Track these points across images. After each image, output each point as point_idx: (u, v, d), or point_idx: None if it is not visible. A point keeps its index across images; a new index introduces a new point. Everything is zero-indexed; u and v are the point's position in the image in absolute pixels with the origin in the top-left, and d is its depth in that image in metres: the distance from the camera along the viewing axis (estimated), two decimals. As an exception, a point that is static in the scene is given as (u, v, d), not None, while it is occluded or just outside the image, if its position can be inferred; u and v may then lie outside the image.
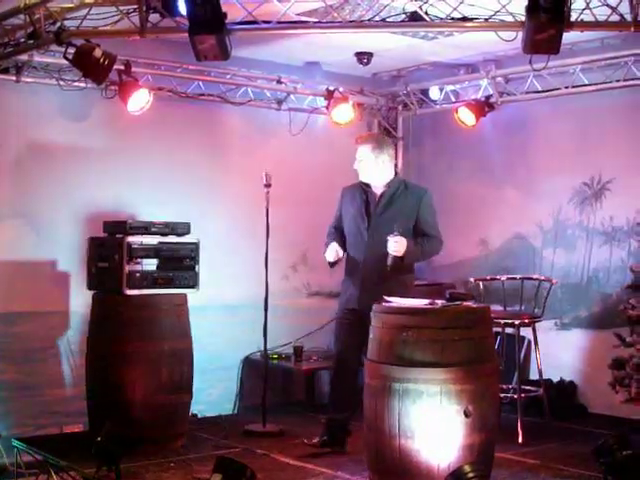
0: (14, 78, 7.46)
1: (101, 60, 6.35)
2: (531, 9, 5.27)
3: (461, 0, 5.80)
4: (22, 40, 6.72)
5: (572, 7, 5.44)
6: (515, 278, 8.17)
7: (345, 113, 8.85)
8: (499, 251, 9.33)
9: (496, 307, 7.71)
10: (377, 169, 6.85)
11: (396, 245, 6.49)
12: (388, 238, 6.49)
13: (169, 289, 7.22)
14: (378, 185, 6.88)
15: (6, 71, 7.41)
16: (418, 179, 9.96)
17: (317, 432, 6.98)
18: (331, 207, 9.39)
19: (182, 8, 5.72)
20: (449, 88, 9.37)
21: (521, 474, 6.41)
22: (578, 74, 8.18)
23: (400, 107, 9.97)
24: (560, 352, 8.49)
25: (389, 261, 6.54)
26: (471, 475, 5.12)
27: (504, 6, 5.70)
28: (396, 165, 9.97)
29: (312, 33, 6.84)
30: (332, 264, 6.87)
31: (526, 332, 7.97)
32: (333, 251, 6.78)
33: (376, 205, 6.84)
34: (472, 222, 9.48)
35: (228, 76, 8.56)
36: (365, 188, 6.93)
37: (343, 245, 6.89)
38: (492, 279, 8.28)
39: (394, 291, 6.32)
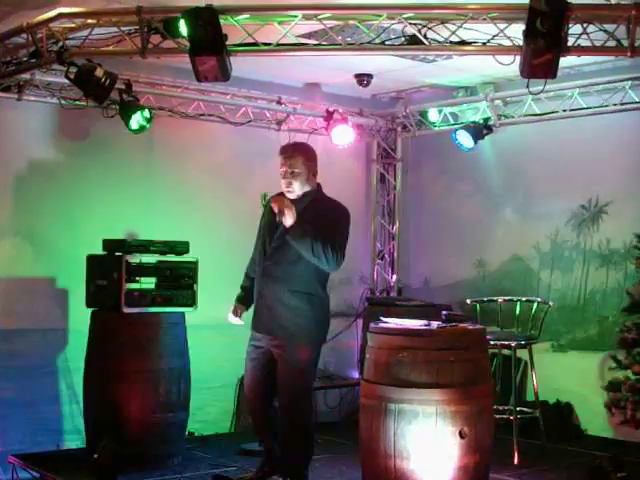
0: (16, 96, 7.51)
1: (102, 80, 6.41)
2: (529, 34, 5.33)
3: (459, 24, 5.86)
4: (24, 59, 6.78)
5: (569, 32, 5.50)
6: (512, 300, 8.19)
7: (344, 134, 8.91)
8: (496, 272, 9.35)
9: (493, 328, 7.74)
10: (307, 184, 6.14)
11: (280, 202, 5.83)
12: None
13: (167, 307, 7.23)
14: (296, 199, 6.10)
15: (8, 89, 7.45)
16: (416, 200, 10.03)
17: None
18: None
19: (183, 29, 5.78)
20: (448, 110, 9.42)
21: (516, 495, 6.44)
22: (576, 97, 8.24)
23: (399, 128, 10.03)
24: (556, 374, 8.50)
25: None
26: (466, 496, 5.15)
27: (502, 30, 5.75)
28: (394, 187, 10.08)
29: (312, 55, 6.88)
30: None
31: (522, 354, 7.99)
32: (231, 314, 6.40)
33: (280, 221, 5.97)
34: (469, 243, 9.51)
35: (228, 96, 8.61)
36: None
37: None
38: (489, 300, 8.29)
39: (289, 319, 6.01)
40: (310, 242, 5.84)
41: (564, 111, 8.40)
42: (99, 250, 7.28)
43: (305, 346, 6.09)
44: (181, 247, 7.41)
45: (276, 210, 5.86)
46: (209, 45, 5.57)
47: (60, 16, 6.10)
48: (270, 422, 6.33)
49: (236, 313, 6.42)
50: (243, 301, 6.46)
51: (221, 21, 5.59)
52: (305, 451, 6.21)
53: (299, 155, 6.18)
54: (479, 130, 8.73)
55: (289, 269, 6.03)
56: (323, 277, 6.17)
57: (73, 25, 6.27)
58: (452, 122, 9.41)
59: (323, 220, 5.95)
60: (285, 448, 6.20)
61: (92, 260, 7.33)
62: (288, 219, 5.81)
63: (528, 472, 7.04)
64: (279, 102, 8.92)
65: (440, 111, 9.47)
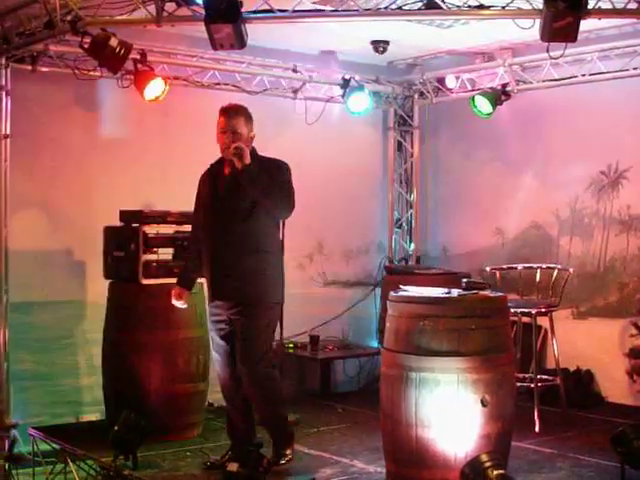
0: (30, 67, 7.44)
1: (117, 49, 6.34)
2: (549, -4, 5.25)
3: (478, -13, 5.79)
4: (38, 29, 6.73)
5: (590, -6, 5.42)
6: (532, 267, 8.15)
7: (361, 102, 8.83)
8: (515, 240, 9.31)
9: (512, 296, 7.69)
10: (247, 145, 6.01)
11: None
12: None
13: (185, 278, 7.23)
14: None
15: (22, 60, 7.39)
16: (434, 168, 9.99)
17: (333, 421, 6.98)
18: (347, 196, 9.41)
19: (198, -3, 5.72)
20: (465, 76, 9.32)
21: (538, 463, 6.40)
22: (595, 62, 8.14)
23: (416, 96, 9.94)
24: (577, 341, 8.47)
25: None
26: (488, 464, 5.13)
27: (521, -7, 5.67)
28: (412, 154, 10.02)
29: (328, 22, 6.80)
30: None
31: (543, 321, 7.96)
32: (174, 298, 6.30)
33: (224, 184, 6.09)
34: (488, 211, 9.47)
35: (244, 65, 8.55)
36: (217, 169, 6.21)
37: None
38: (508, 268, 8.27)
39: (246, 281, 5.95)
40: (264, 180, 5.87)
41: (583, 76, 8.29)
42: (116, 221, 7.26)
43: (263, 307, 6.01)
44: (198, 217, 7.37)
45: (233, 150, 5.82)
46: (225, 12, 5.50)
47: (73, -15, 6.05)
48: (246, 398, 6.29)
49: (179, 297, 6.32)
50: (185, 283, 6.38)
51: (236, -13, 5.52)
52: (278, 412, 6.22)
53: (241, 115, 6.15)
54: (497, 96, 8.63)
55: (240, 228, 5.98)
56: (276, 233, 6.19)
57: (86, -6, 6.22)
58: (470, 88, 9.31)
59: (269, 171, 5.96)
60: (261, 415, 6.25)
61: (109, 231, 7.32)
62: (245, 158, 5.79)
63: (549, 440, 7.03)
64: (295, 70, 8.84)
65: (457, 77, 9.37)
